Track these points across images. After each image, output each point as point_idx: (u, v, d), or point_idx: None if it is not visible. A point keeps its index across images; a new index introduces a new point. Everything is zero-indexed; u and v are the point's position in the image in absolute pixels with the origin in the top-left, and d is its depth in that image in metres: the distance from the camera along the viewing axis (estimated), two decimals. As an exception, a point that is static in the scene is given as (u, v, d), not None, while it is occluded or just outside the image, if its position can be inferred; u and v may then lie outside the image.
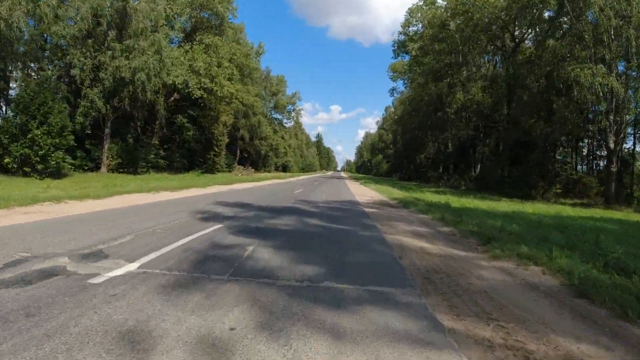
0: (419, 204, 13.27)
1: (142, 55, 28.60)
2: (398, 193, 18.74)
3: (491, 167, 37.68)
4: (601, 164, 44.40)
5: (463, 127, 38.35)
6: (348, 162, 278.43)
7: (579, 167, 44.21)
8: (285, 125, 77.55)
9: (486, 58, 43.91)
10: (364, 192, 20.75)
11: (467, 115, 41.02)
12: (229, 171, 45.80)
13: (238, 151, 63.69)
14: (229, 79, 35.72)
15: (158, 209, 8.80)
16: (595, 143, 43.93)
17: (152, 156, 33.68)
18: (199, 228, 6.81)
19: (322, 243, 6.25)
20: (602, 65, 20.57)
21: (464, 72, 36.46)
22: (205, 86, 32.71)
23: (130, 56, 29.25)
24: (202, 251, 5.15)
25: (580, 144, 44.55)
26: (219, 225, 7.29)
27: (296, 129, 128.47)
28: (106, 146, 32.01)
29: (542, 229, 7.74)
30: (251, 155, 67.05)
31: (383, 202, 15.04)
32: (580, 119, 23.61)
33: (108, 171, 32.03)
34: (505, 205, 16.92)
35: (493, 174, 37.00)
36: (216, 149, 42.63)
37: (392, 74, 50.85)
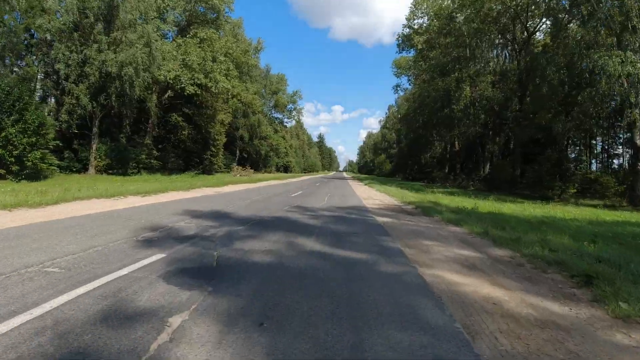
0: (441, 209, 11.14)
1: (130, 48, 26.77)
2: (409, 195, 16.74)
3: (502, 167, 35.66)
4: (615, 162, 42.47)
5: (471, 124, 36.35)
6: (350, 163, 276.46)
7: (591, 165, 42.20)
8: (286, 125, 75.72)
9: (495, 52, 41.94)
10: (370, 195, 18.79)
11: (474, 112, 39.01)
12: (228, 172, 43.99)
13: (237, 151, 61.91)
14: (225, 75, 33.89)
15: (96, 224, 6.40)
16: (608, 140, 41.93)
17: (143, 157, 31.86)
18: (121, 263, 4.29)
19: (320, 299, 3.47)
20: (632, 53, 18.54)
21: (472, 66, 34.45)
22: (199, 82, 30.84)
23: (118, 49, 27.49)
24: (71, 335, 2.54)
25: (592, 141, 42.55)
26: (159, 256, 4.67)
27: (297, 129, 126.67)
28: (94, 146, 30.23)
29: (624, 247, 5.83)
30: (251, 156, 65.23)
31: (396, 208, 12.55)
32: (605, 112, 21.59)
33: (96, 172, 30.27)
34: (529, 209, 14.95)
35: (504, 174, 34.98)
36: (213, 148, 40.82)
37: (396, 70, 48.97)
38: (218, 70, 31.55)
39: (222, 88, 31.35)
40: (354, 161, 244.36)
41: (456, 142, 48.12)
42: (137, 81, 26.49)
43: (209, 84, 31.03)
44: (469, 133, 37.91)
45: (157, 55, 27.71)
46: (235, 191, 16.73)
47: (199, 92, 31.23)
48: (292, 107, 69.40)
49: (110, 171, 30.52)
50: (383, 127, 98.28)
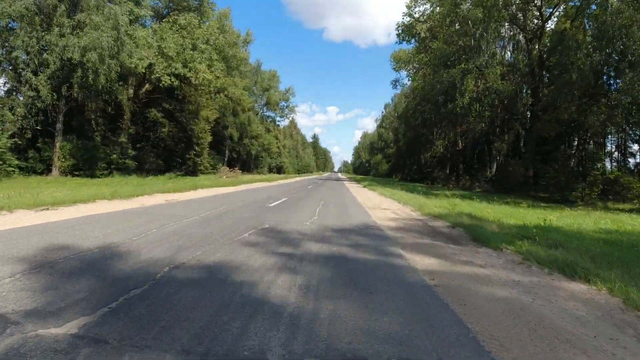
0: (495, 229, 7.65)
1: (95, 31, 23.33)
2: (425, 202, 13.40)
3: (512, 166, 32.55)
4: (630, 161, 39.54)
5: (479, 119, 33.21)
6: (345, 163, 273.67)
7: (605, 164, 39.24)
8: (279, 124, 72.32)
9: (502, 43, 38.90)
10: (376, 202, 14.93)
11: (481, 107, 35.91)
12: (215, 173, 40.51)
13: (227, 151, 58.43)
14: (208, 66, 30.49)
15: None
16: (624, 136, 39.02)
17: (115, 156, 28.34)
18: None
19: None
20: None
21: (480, 56, 31.32)
22: (176, 72, 27.41)
23: (82, 34, 24.06)
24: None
25: (603, 138, 39.62)
26: None
27: (291, 129, 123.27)
28: (58, 145, 26.73)
29: None
30: (241, 156, 61.76)
31: (423, 227, 8.44)
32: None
33: (61, 174, 26.78)
34: (577, 219, 11.72)
35: (515, 174, 31.88)
36: (197, 148, 37.36)
37: (394, 64, 45.82)
38: (199, 59, 28.11)
39: (203, 79, 27.91)
40: (349, 162, 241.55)
41: (459, 141, 45.02)
42: (102, 68, 23.03)
43: (188, 75, 27.59)
44: (476, 129, 34.74)
45: (126, 40, 24.25)
46: (196, 199, 13.03)
47: (176, 83, 27.82)
48: (285, 104, 66.13)
49: (77, 173, 27.04)
50: (379, 126, 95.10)
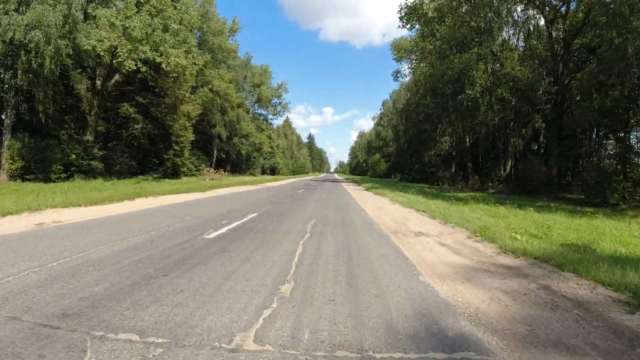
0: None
1: (42, 5, 19.27)
2: (471, 217, 8.81)
3: (533, 164, 28.72)
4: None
5: (492, 111, 29.36)
6: (341, 164, 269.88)
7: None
8: (272, 122, 68.21)
9: (512, 30, 35.07)
10: (398, 219, 9.85)
11: (493, 98, 32.03)
12: (199, 175, 36.41)
13: (215, 151, 54.28)
14: (186, 52, 26.36)
15: None
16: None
17: (74, 156, 24.20)
18: None
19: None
20: None
21: (496, 38, 27.47)
22: (144, 56, 23.32)
23: (27, 10, 19.99)
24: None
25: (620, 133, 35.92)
26: None
27: (286, 128, 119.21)
28: (5, 143, 22.56)
29: None
30: (230, 157, 57.62)
31: (566, 315, 3.40)
32: None
33: (10, 178, 22.66)
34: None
35: (536, 173, 28.06)
36: (176, 147, 33.26)
37: (395, 54, 41.84)
38: (171, 41, 24.03)
39: (176, 65, 23.80)
40: (345, 162, 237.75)
41: (467, 137, 41.18)
42: (48, 50, 18.91)
43: (158, 60, 23.50)
44: (491, 122, 30.91)
45: (79, 16, 20.16)
46: (134, 212, 9.06)
47: (144, 69, 23.72)
48: (278, 101, 61.98)
49: (28, 176, 22.93)
50: (377, 124, 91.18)
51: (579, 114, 21.45)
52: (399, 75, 42.22)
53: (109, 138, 33.88)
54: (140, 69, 23.47)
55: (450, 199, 16.86)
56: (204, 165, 37.31)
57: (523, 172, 30.24)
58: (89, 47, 21.67)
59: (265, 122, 65.43)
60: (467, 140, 41.07)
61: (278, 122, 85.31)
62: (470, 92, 31.34)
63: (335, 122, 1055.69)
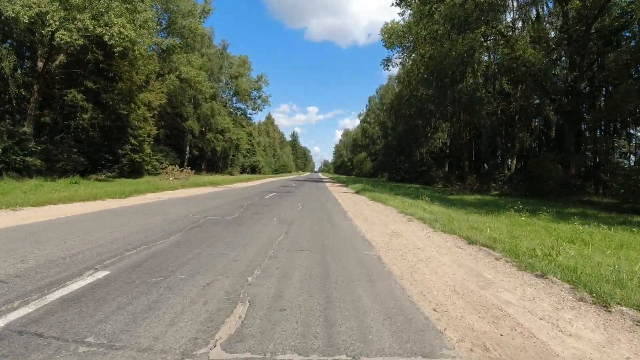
0: None
1: None
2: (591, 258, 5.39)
3: (545, 162, 25.15)
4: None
5: (502, 101, 25.67)
6: (326, 163, 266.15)
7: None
8: (251, 117, 63.35)
9: (516, 14, 31.54)
10: (430, 257, 5.76)
11: (494, 87, 28.42)
12: (162, 174, 31.50)
13: (188, 148, 49.30)
14: (142, 26, 21.62)
15: None
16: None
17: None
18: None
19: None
20: None
21: (503, 17, 23.76)
22: (82, 26, 18.54)
23: None
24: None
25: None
26: None
27: (268, 125, 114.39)
28: None
29: None
30: (205, 154, 52.69)
31: None
32: None
33: None
34: None
35: (550, 172, 24.49)
36: (134, 141, 28.39)
37: (386, 39, 37.65)
38: (118, 9, 19.32)
39: (120, 37, 19.03)
40: (330, 161, 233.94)
41: (464, 132, 37.56)
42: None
43: (99, 31, 18.79)
44: (494, 116, 27.21)
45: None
46: None
47: (80, 41, 18.97)
48: (257, 94, 57.22)
49: None
50: (363, 121, 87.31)
51: (620, 99, 17.70)
52: (389, 64, 38.26)
53: (56, 130, 28.81)
54: (75, 42, 18.67)
55: (454, 205, 12.94)
56: (167, 162, 32.40)
57: (533, 171, 26.64)
58: (12, 14, 16.86)
59: (244, 117, 60.57)
60: (465, 136, 37.45)
61: (259, 118, 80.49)
62: (471, 80, 27.56)
63: (320, 121, 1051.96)
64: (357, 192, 21.95)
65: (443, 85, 28.46)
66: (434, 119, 41.21)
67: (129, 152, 28.48)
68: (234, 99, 58.95)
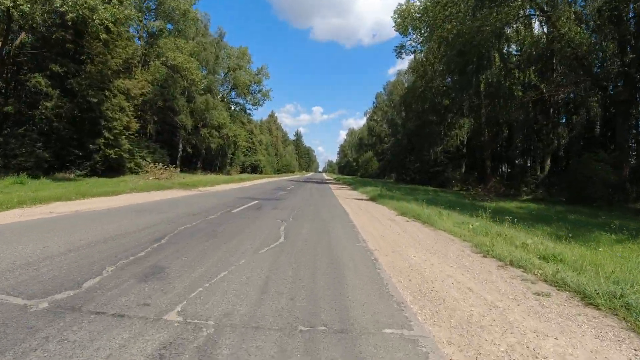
0: None
1: None
2: None
3: (590, 162, 20.99)
4: None
5: (532, 91, 21.52)
6: (330, 163, 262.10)
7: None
8: (251, 113, 59.36)
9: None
10: None
11: (526, 75, 24.30)
12: (143, 172, 27.62)
13: (181, 145, 45.46)
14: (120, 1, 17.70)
15: None
16: None
17: None
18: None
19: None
20: None
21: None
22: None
23: None
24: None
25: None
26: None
27: (270, 124, 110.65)
28: None
29: None
30: (199, 152, 48.83)
31: None
32: None
33: None
34: None
35: (598, 174, 20.34)
36: (107, 134, 24.51)
37: (399, 23, 33.41)
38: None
39: (78, 7, 15.15)
40: (334, 161, 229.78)
41: (487, 128, 33.37)
42: None
43: (60, 5, 14.97)
44: (527, 108, 23.03)
45: None
46: None
47: (24, 6, 15.16)
48: (257, 88, 53.24)
49: None
50: (370, 119, 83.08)
51: None
52: (402, 51, 34.05)
53: (22, 122, 25.14)
54: (36, 15, 14.88)
55: (544, 227, 8.88)
56: (149, 160, 28.48)
57: (575, 172, 22.48)
58: None
59: (243, 112, 56.59)
60: (487, 132, 33.26)
61: (260, 115, 76.45)
62: (501, 66, 23.51)
63: (324, 121, 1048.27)
64: (373, 200, 17.12)
65: (467, 72, 24.36)
66: (451, 114, 37.06)
67: (103, 147, 24.62)
68: (233, 93, 55.05)
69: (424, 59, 33.74)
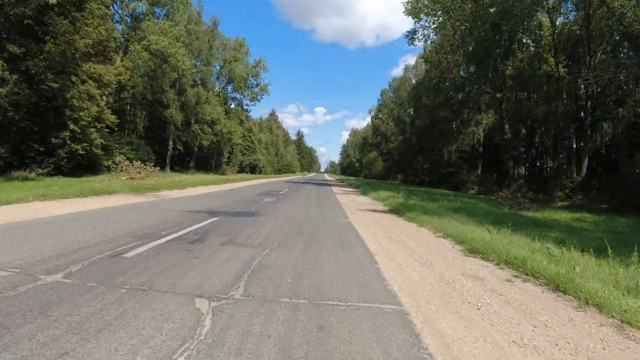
0: None
1: None
2: None
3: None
4: None
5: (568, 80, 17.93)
6: (332, 164, 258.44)
7: None
8: (248, 109, 55.80)
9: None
10: None
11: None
12: (118, 172, 24.12)
13: (170, 142, 41.95)
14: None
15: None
16: None
17: None
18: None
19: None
20: None
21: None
22: None
23: None
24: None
25: None
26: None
27: (271, 122, 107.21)
28: None
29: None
30: (192, 150, 45.29)
31: None
32: None
33: None
34: None
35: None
36: (73, 126, 20.99)
37: (409, 7, 29.74)
38: None
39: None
40: (336, 162, 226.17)
41: (506, 125, 29.71)
42: None
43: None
44: (561, 100, 19.43)
45: None
46: None
47: None
48: (255, 82, 49.66)
49: None
50: (375, 117, 79.36)
51: None
52: (414, 37, 30.38)
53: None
54: None
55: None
56: (123, 157, 24.90)
57: (624, 175, 18.84)
58: None
59: (240, 107, 53.05)
60: (507, 130, 29.60)
61: (259, 112, 72.94)
62: (533, 50, 20.08)
63: (327, 121, 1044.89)
64: (397, 213, 12.22)
65: (491, 57, 20.74)
66: (467, 109, 33.42)
67: (69, 142, 21.12)
68: (230, 88, 51.51)
69: (439, 47, 30.09)
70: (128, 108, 40.71)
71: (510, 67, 23.48)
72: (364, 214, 12.22)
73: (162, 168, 42.20)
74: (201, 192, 18.14)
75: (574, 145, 25.21)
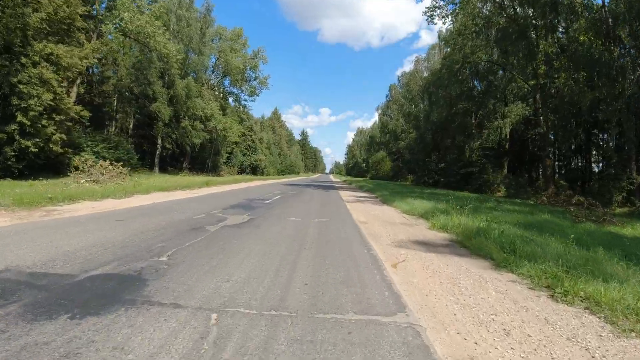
0: None
1: None
2: None
3: None
4: None
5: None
6: (337, 164, 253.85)
7: None
8: (246, 104, 51.86)
9: None
10: None
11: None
12: (77, 174, 20.26)
13: (159, 140, 38.08)
14: None
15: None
16: None
17: None
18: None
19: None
20: None
21: None
22: None
23: None
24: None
25: None
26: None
27: (274, 121, 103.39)
28: None
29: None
30: (182, 148, 41.35)
31: None
32: None
33: None
34: None
35: None
36: (21, 117, 17.13)
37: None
38: None
39: None
40: (342, 163, 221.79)
41: (541, 119, 25.44)
42: None
43: None
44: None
45: None
46: None
47: None
48: (253, 75, 45.73)
49: None
50: (383, 114, 75.11)
51: None
52: (434, 14, 25.86)
53: None
54: None
55: None
56: (87, 156, 20.98)
57: None
58: None
59: (238, 103, 49.18)
60: (544, 125, 25.30)
61: (261, 110, 69.12)
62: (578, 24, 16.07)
63: (332, 122, 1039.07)
64: (480, 254, 6.12)
65: (525, 35, 16.55)
66: (493, 100, 29.20)
67: (17, 137, 17.27)
68: (226, 82, 47.63)
69: (462, 27, 25.87)
70: (115, 103, 37.04)
71: (554, 46, 19.30)
72: (427, 270, 5.26)
73: (151, 169, 38.45)
74: (132, 205, 10.81)
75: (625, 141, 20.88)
